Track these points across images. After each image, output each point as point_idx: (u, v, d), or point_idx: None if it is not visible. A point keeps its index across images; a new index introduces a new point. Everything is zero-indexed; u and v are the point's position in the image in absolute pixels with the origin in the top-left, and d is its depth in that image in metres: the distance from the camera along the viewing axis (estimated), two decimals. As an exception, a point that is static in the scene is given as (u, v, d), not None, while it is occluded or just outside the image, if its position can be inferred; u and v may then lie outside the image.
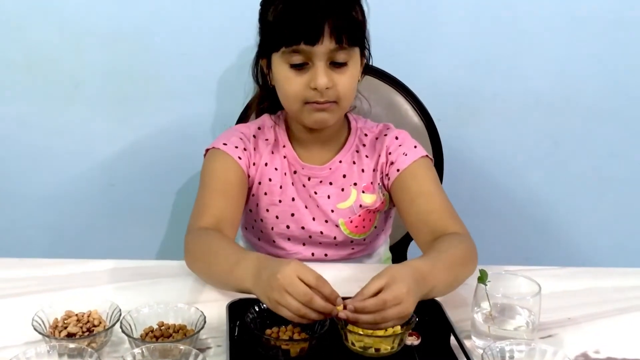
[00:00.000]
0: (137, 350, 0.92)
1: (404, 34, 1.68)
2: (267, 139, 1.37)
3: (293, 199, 1.36)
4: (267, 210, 1.37)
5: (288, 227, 1.37)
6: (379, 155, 1.36)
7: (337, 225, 1.37)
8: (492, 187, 1.83)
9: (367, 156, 1.37)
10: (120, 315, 1.01)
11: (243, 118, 1.58)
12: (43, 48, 1.68)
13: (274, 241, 1.40)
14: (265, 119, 1.40)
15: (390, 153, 1.36)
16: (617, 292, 1.24)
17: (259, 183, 1.36)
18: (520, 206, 1.86)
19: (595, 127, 1.79)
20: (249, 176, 1.34)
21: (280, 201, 1.36)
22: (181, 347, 0.93)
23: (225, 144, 1.33)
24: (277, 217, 1.37)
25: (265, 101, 1.40)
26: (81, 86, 1.72)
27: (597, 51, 1.73)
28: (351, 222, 1.37)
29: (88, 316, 1.03)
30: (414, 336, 1.01)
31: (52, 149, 1.77)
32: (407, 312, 0.97)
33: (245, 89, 1.55)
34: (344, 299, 0.98)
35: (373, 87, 1.51)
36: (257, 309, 1.01)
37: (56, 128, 1.75)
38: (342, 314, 0.96)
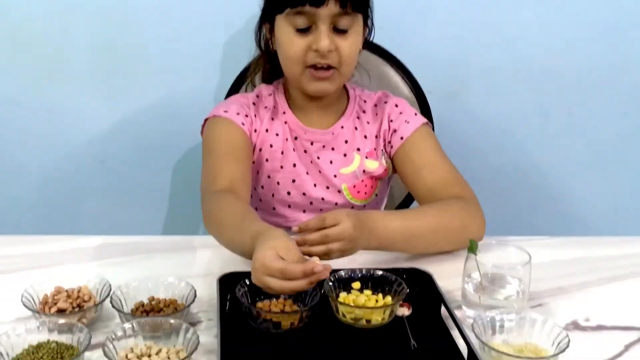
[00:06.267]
0: (127, 325, 0.92)
1: (394, 5, 1.65)
2: (266, 107, 1.36)
3: (294, 165, 1.36)
4: (269, 176, 1.36)
5: (289, 193, 1.37)
6: (381, 122, 1.38)
7: (339, 191, 1.37)
8: (483, 158, 1.83)
9: (368, 122, 1.38)
10: (110, 290, 1.01)
11: (235, 89, 1.56)
12: (28, 24, 1.66)
13: (274, 208, 1.39)
14: (262, 88, 1.40)
15: (392, 121, 1.37)
16: (606, 261, 1.25)
17: (260, 150, 1.35)
18: (510, 177, 1.86)
19: (586, 98, 1.79)
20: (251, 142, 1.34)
21: (281, 167, 1.36)
22: (172, 322, 0.93)
23: (226, 111, 1.32)
24: (278, 183, 1.36)
25: (266, 65, 1.40)
26: (68, 62, 1.70)
27: (587, 22, 1.72)
28: (354, 187, 1.37)
29: (78, 292, 1.02)
30: (405, 307, 1.01)
31: (40, 127, 1.74)
32: (348, 248, 1.07)
33: (237, 62, 1.54)
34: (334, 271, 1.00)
35: (363, 59, 1.49)
36: (248, 282, 1.00)
37: (43, 106, 1.73)
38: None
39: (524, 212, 1.89)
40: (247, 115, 1.34)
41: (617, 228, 1.87)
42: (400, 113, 1.38)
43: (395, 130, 1.36)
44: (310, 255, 1.03)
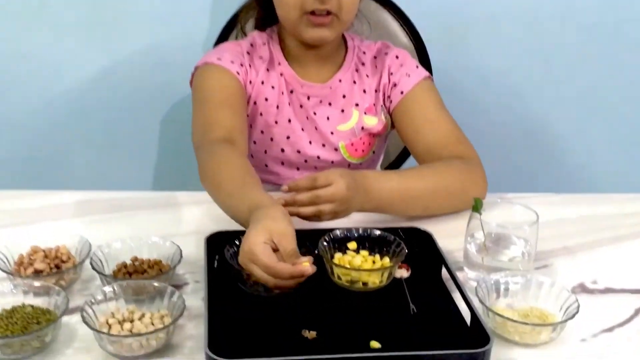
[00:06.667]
0: (108, 288, 0.89)
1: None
2: (261, 57, 1.30)
3: (289, 121, 1.30)
4: (262, 132, 1.31)
5: (283, 150, 1.32)
6: (381, 76, 1.33)
7: (335, 149, 1.33)
8: (484, 110, 1.79)
9: (367, 76, 1.33)
10: (90, 250, 0.98)
11: (225, 37, 1.50)
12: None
13: (266, 165, 1.34)
14: (256, 36, 1.34)
15: (392, 74, 1.32)
16: (614, 219, 1.21)
17: (255, 103, 1.30)
18: (513, 130, 1.83)
19: (589, 47, 1.75)
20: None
21: (276, 122, 1.30)
22: (156, 284, 0.90)
23: (219, 59, 1.26)
24: (271, 139, 1.31)
25: (259, 11, 1.34)
26: (47, 6, 1.62)
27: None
28: (352, 145, 1.33)
29: (56, 252, 0.99)
30: (404, 268, 0.98)
31: (19, 77, 1.68)
32: (341, 210, 1.02)
33: (228, 8, 1.48)
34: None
35: (360, 5, 1.42)
36: (238, 243, 0.95)
37: (22, 54, 1.66)
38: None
39: (526, 168, 1.87)
40: (242, 65, 1.27)
41: (625, 184, 1.84)
42: (401, 65, 1.32)
43: (395, 84, 1.31)
44: (299, 216, 1.00)
